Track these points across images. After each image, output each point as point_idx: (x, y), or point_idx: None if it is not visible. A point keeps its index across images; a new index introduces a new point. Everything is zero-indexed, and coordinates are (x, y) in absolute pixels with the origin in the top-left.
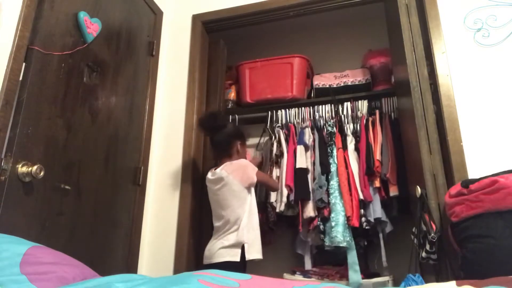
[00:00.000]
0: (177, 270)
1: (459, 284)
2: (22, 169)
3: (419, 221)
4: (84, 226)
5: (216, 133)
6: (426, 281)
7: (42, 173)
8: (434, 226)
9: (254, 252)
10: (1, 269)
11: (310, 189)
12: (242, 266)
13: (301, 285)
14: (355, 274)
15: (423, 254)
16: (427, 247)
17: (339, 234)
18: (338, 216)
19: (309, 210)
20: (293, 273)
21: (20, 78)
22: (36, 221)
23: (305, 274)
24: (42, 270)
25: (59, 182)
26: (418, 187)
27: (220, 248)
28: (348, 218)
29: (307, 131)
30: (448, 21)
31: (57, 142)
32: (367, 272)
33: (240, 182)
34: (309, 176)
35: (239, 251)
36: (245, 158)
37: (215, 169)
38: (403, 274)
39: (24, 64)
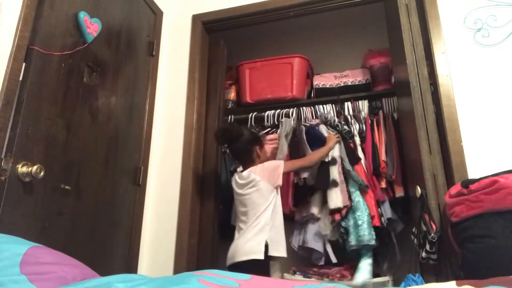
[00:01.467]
0: (177, 270)
1: (459, 284)
2: (22, 169)
3: (419, 221)
4: (84, 226)
5: (232, 144)
6: (426, 281)
7: (42, 173)
8: (434, 226)
9: (276, 250)
10: (1, 269)
11: (331, 180)
12: (266, 264)
13: (301, 285)
14: (368, 273)
15: (423, 254)
16: (427, 247)
17: (367, 232)
18: (364, 214)
19: (337, 201)
20: (293, 273)
21: (20, 78)
22: (36, 221)
23: (305, 274)
24: (42, 270)
25: (59, 182)
26: (418, 187)
27: (243, 247)
28: (372, 217)
29: (323, 127)
30: (448, 21)
31: (57, 142)
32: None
33: (269, 182)
34: (335, 168)
35: (262, 248)
36: (266, 159)
37: (241, 172)
38: (403, 274)
39: (24, 64)
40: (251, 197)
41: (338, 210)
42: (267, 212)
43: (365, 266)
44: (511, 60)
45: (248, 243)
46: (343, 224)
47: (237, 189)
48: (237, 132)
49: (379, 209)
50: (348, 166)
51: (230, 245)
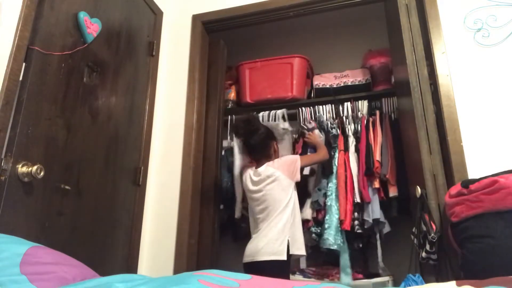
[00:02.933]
0: (177, 270)
1: (459, 284)
2: (22, 169)
3: (419, 221)
4: (84, 226)
5: (251, 137)
6: (426, 281)
7: (42, 173)
8: (434, 226)
9: (297, 248)
10: (1, 269)
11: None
12: (288, 263)
13: (301, 285)
14: (346, 276)
15: (423, 254)
16: (427, 247)
17: (331, 236)
18: (332, 218)
19: (306, 213)
20: (293, 273)
21: (20, 78)
22: (36, 221)
23: (305, 274)
24: (42, 270)
25: (59, 182)
26: (418, 187)
27: (266, 246)
28: (341, 222)
29: (317, 132)
30: (448, 21)
31: (57, 142)
32: (367, 272)
33: (289, 177)
34: (312, 179)
35: (285, 249)
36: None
37: (256, 168)
38: (403, 274)
39: (24, 64)
40: (271, 193)
41: (307, 221)
42: (288, 208)
43: (344, 268)
44: (511, 60)
45: (271, 243)
46: (312, 230)
47: (252, 187)
48: (257, 124)
49: (355, 213)
50: (321, 178)
51: (247, 242)
